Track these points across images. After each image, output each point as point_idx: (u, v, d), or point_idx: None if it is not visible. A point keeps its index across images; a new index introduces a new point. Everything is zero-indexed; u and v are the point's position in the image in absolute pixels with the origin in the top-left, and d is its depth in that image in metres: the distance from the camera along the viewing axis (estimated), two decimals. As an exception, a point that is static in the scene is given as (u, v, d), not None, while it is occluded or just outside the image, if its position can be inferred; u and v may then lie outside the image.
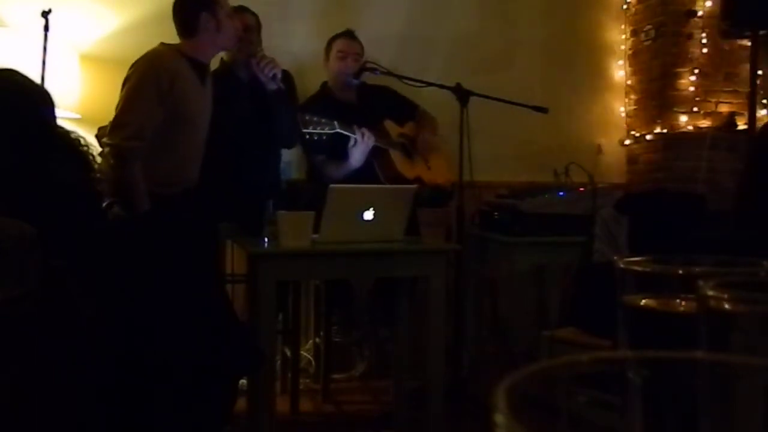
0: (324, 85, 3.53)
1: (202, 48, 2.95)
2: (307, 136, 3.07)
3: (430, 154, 3.51)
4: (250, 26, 3.25)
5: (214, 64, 3.19)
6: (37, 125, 2.12)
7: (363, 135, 3.19)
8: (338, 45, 3.45)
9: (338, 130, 3.13)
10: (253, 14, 3.32)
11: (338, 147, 3.21)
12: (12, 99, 2.04)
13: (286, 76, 3.37)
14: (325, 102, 3.40)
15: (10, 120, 1.97)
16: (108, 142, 2.78)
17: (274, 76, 3.12)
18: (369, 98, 3.49)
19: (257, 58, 3.12)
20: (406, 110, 3.57)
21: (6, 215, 1.67)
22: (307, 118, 3.05)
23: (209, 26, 2.92)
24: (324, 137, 3.10)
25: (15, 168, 1.92)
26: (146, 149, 2.77)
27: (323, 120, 3.08)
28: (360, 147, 3.20)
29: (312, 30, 3.75)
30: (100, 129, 3.00)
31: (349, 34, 3.48)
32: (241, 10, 3.26)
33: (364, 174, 3.20)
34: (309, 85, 3.57)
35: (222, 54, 3.24)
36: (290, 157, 3.57)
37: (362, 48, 3.49)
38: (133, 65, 2.86)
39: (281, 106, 3.18)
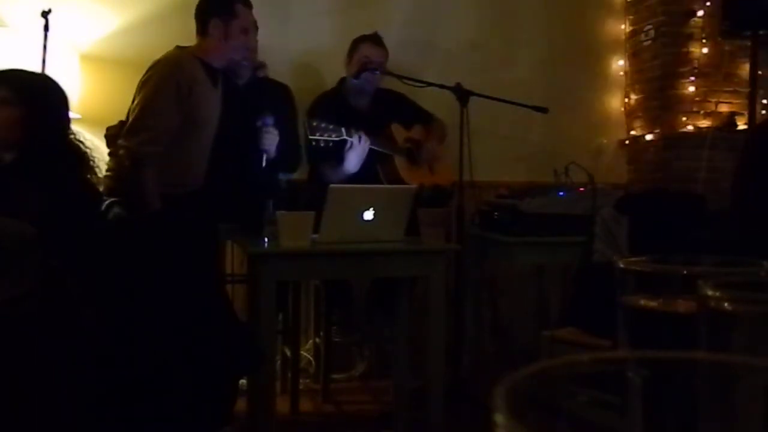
0: (341, 82, 3.48)
1: (211, 51, 2.95)
2: (314, 143, 3.05)
3: (434, 162, 3.51)
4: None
5: None
6: (59, 122, 2.13)
7: (360, 138, 3.15)
8: (363, 50, 3.38)
9: (345, 137, 3.11)
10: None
11: (336, 150, 3.20)
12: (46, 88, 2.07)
13: (286, 91, 3.35)
14: (336, 105, 3.37)
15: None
16: (124, 144, 2.77)
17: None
18: (381, 104, 3.47)
19: (266, 128, 3.06)
20: (419, 118, 3.56)
21: (6, 215, 1.67)
22: (314, 124, 3.03)
23: (217, 33, 2.92)
24: (330, 144, 3.09)
25: (16, 168, 1.92)
26: (162, 154, 2.76)
27: (331, 126, 3.06)
28: (356, 150, 3.15)
29: (313, 30, 3.75)
30: (108, 128, 2.99)
31: (375, 39, 3.42)
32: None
33: (368, 179, 3.18)
34: (305, 85, 3.56)
35: None
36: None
37: (387, 54, 3.43)
38: (151, 68, 2.85)
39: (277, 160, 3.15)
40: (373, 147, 3.21)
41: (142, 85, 2.83)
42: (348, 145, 3.14)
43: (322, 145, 3.06)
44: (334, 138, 3.07)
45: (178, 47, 2.93)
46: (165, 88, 2.79)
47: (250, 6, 3.00)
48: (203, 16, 2.95)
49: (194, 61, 2.90)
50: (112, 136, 2.92)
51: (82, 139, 2.31)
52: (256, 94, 3.17)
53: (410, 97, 3.57)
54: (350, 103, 3.43)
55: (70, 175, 2.23)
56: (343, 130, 3.09)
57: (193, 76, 2.85)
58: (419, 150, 3.48)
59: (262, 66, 3.34)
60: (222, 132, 3.02)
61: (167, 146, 2.79)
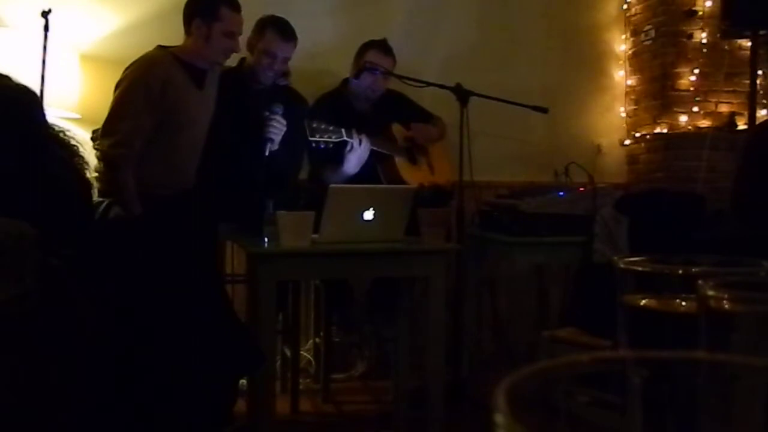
0: (343, 83, 3.47)
1: (194, 52, 2.92)
2: (314, 144, 3.04)
3: (432, 150, 3.50)
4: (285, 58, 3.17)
5: (233, 61, 3.15)
6: (33, 126, 2.12)
7: (360, 141, 3.14)
8: (369, 56, 3.34)
9: (345, 138, 3.11)
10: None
11: (336, 151, 3.19)
12: (6, 101, 2.04)
13: (303, 105, 3.30)
14: (338, 106, 3.35)
15: (6, 121, 1.97)
16: (97, 147, 2.81)
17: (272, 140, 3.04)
18: (383, 105, 3.46)
19: (271, 117, 3.02)
20: (420, 119, 3.55)
21: (6, 215, 1.67)
22: (314, 125, 3.02)
23: (198, 33, 2.89)
24: (330, 145, 3.08)
25: (14, 169, 1.92)
26: (136, 156, 2.76)
27: (331, 128, 3.05)
28: (356, 152, 3.14)
29: (313, 30, 3.74)
30: (94, 131, 3.02)
31: (383, 47, 3.39)
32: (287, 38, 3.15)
33: (368, 179, 3.18)
34: (306, 85, 3.56)
35: (245, 54, 3.19)
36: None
37: (394, 62, 3.39)
38: (125, 70, 2.85)
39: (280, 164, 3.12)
40: (373, 148, 3.21)
41: (116, 87, 2.84)
42: (348, 147, 3.14)
43: (322, 146, 3.05)
44: (334, 139, 3.07)
45: (159, 47, 2.91)
46: (133, 91, 2.78)
47: (237, 10, 2.94)
48: (187, 16, 2.93)
49: (172, 61, 2.87)
50: (97, 138, 2.95)
51: (71, 134, 2.30)
52: (267, 100, 3.13)
53: (410, 97, 3.57)
54: (352, 104, 3.42)
55: (69, 174, 2.23)
56: (343, 131, 3.09)
57: (166, 78, 2.81)
58: (418, 146, 3.48)
59: (285, 74, 3.29)
60: (216, 133, 3.00)
61: (153, 148, 2.79)
